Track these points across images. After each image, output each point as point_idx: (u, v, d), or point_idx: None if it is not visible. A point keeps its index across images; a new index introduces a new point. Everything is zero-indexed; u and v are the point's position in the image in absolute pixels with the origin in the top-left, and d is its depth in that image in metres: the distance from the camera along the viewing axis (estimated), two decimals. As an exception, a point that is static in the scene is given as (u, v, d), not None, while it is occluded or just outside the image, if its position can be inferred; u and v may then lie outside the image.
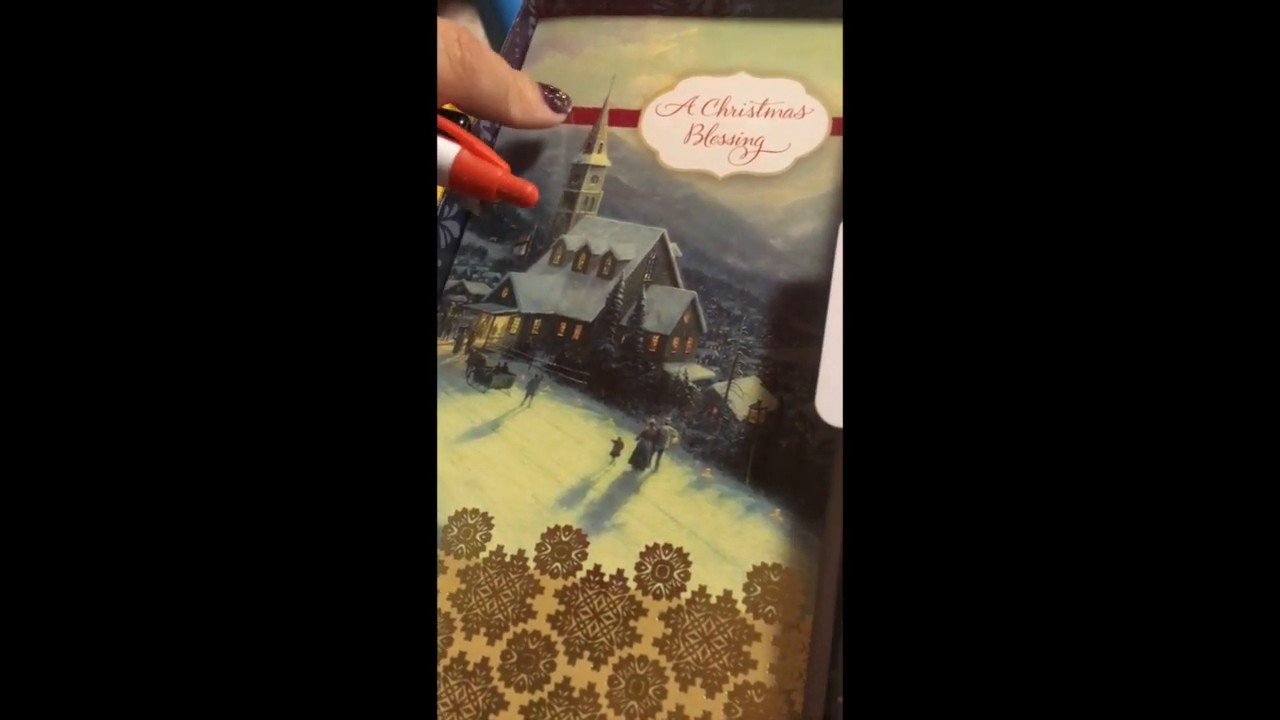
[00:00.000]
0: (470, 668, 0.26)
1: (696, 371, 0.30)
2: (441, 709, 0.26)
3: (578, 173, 0.36)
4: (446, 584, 0.28)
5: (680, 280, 0.33)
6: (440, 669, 0.26)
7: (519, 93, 0.33)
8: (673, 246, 0.33)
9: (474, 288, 0.35)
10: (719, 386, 0.30)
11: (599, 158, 0.36)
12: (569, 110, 0.35)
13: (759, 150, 0.34)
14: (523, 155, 0.38)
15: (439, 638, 0.27)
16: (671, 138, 0.36)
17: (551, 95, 0.34)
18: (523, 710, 0.25)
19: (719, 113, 0.36)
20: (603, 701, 0.25)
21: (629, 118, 0.37)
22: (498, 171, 0.32)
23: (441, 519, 0.29)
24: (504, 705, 0.25)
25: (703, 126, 0.35)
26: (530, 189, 0.32)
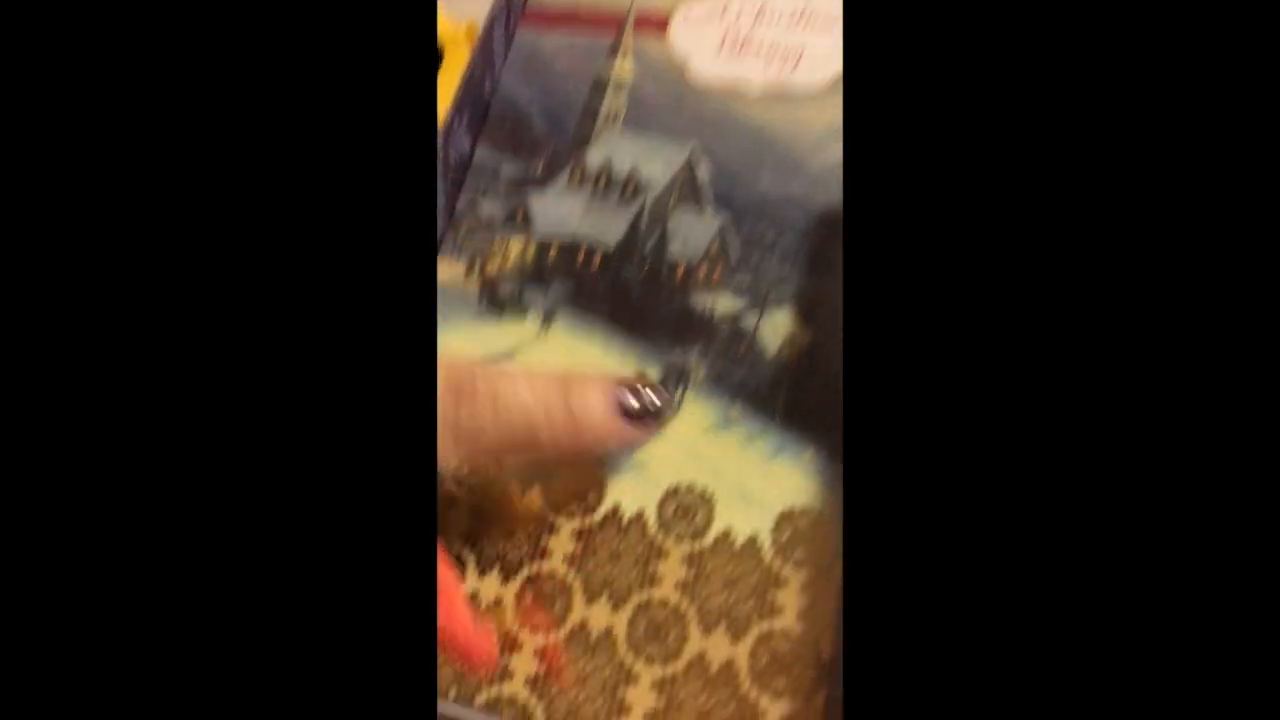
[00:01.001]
0: (484, 608, 0.25)
1: (724, 303, 0.28)
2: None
3: (599, 84, 0.33)
4: (459, 520, 0.27)
5: (709, 204, 0.30)
6: None
7: (568, 423, 0.21)
8: (701, 167, 0.31)
9: (487, 208, 0.33)
10: (748, 319, 0.28)
11: (623, 68, 0.33)
12: (665, 410, 0.23)
13: (798, 63, 0.31)
14: (535, 64, 0.35)
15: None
16: (702, 47, 0.33)
17: (634, 402, 0.22)
18: (538, 652, 0.24)
19: (755, 20, 0.32)
20: (621, 645, 0.24)
21: (656, 23, 0.34)
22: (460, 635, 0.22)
23: (453, 453, 0.28)
24: (518, 647, 0.24)
25: (737, 35, 0.32)
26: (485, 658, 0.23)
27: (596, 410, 0.22)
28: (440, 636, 0.21)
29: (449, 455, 0.21)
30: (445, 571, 0.22)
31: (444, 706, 0.24)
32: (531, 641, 0.24)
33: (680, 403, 0.27)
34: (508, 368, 0.23)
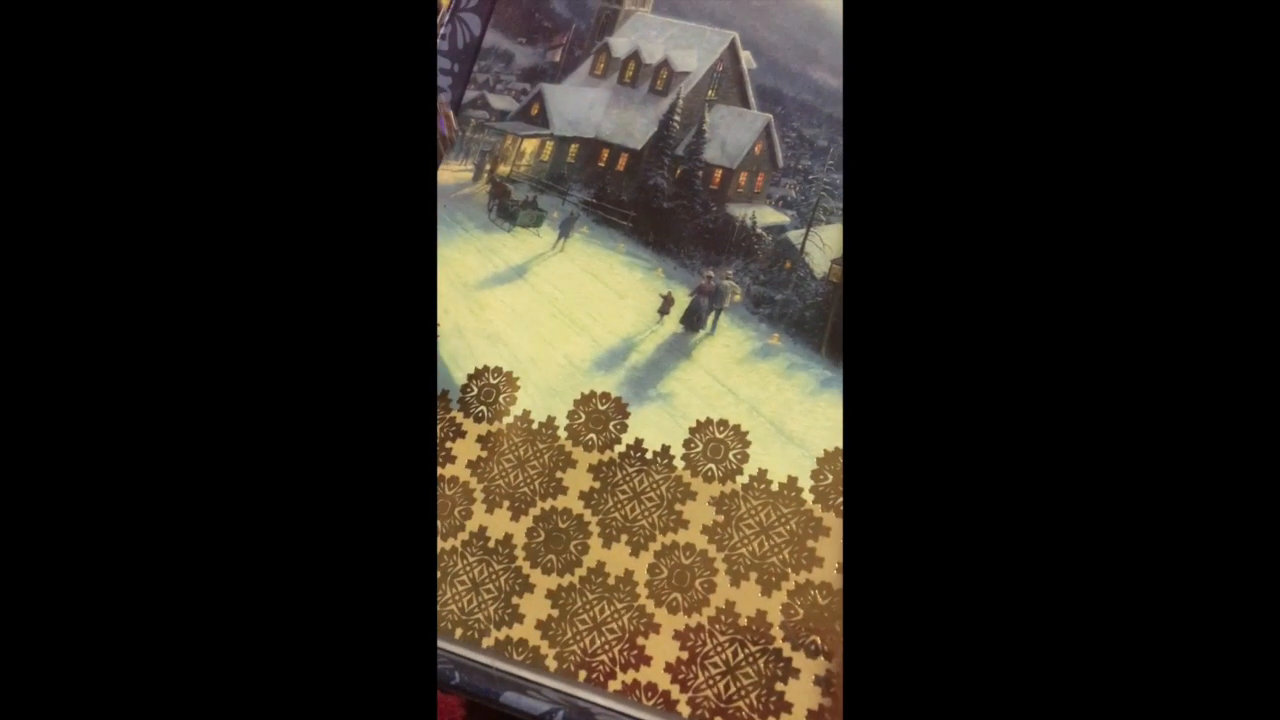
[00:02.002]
0: (491, 544, 0.23)
1: (768, 215, 0.25)
2: (459, 587, 0.23)
3: (628, -44, 0.29)
4: (464, 449, 0.25)
5: (753, 100, 0.26)
6: (459, 544, 0.23)
7: None
8: (745, 56, 0.27)
9: (498, 101, 0.29)
10: (794, 235, 0.24)
11: (655, -63, 0.29)
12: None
13: (863, -70, 0.26)
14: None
15: (456, 509, 0.24)
16: (750, -89, 0.28)
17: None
18: (550, 594, 0.22)
19: (814, -123, 0.27)
20: (641, 591, 0.22)
21: (696, -118, 0.29)
22: None
23: (459, 377, 0.26)
24: (529, 588, 0.23)
25: (791, -104, 0.27)
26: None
27: None
28: None
29: None
30: None
31: (449, 645, 0.22)
32: None
33: (714, 323, 0.24)
34: None
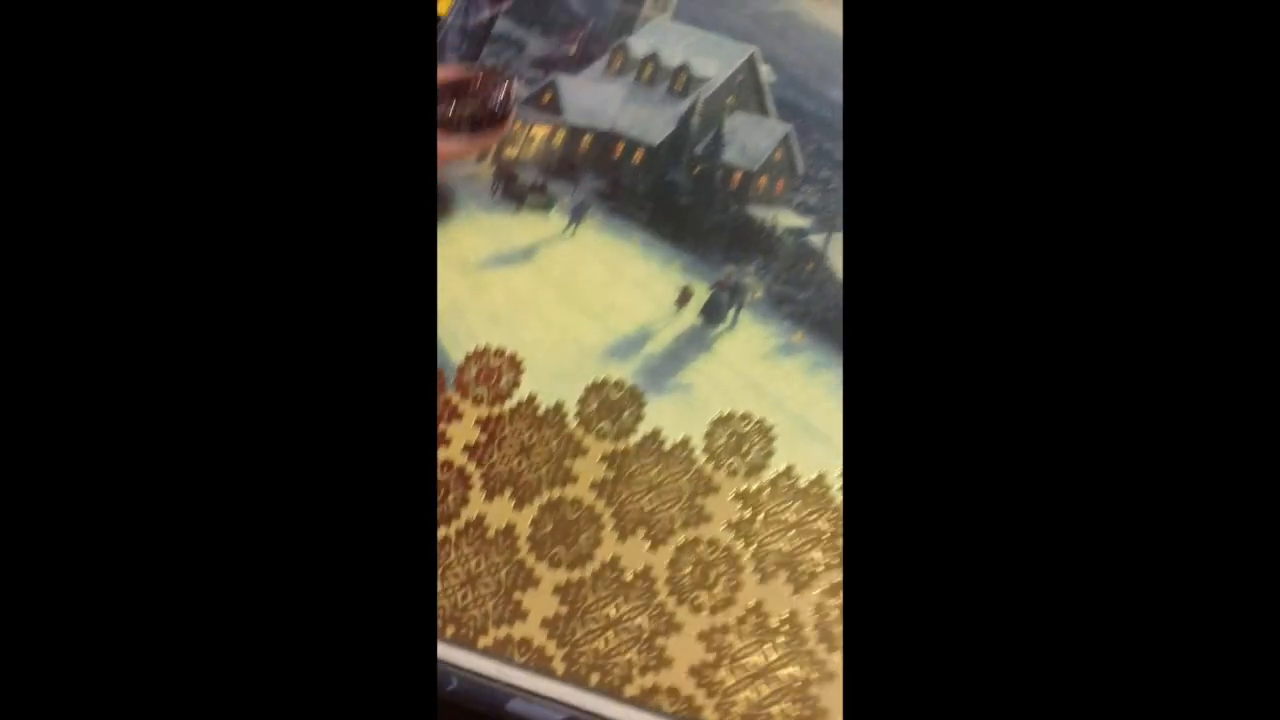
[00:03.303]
0: (491, 535, 0.21)
1: (788, 218, 0.25)
2: (452, 580, 0.20)
3: (649, -35, 0.29)
4: (462, 432, 0.22)
5: (772, 109, 0.27)
6: (452, 533, 0.21)
7: None
8: (764, 69, 0.27)
9: (507, 86, 0.28)
10: (816, 239, 0.25)
11: (677, -49, 0.29)
12: (495, 116, 0.21)
13: (877, -28, 0.28)
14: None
15: (450, 495, 0.21)
16: (771, -60, 0.29)
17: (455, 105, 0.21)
18: (559, 590, 0.20)
19: (831, -81, 0.29)
20: (662, 588, 0.20)
21: (719, -92, 0.30)
22: None
23: (456, 356, 0.23)
24: (534, 582, 0.20)
25: (810, -67, 0.29)
26: None
27: None
28: None
29: None
30: None
31: (445, 650, 0.19)
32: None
33: (735, 318, 0.24)
34: None
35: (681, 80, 0.28)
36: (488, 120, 0.21)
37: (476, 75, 0.21)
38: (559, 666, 0.19)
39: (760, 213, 0.25)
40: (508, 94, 0.21)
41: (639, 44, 0.28)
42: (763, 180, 0.26)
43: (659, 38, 0.28)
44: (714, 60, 0.28)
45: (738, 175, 0.26)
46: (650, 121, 0.27)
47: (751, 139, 0.26)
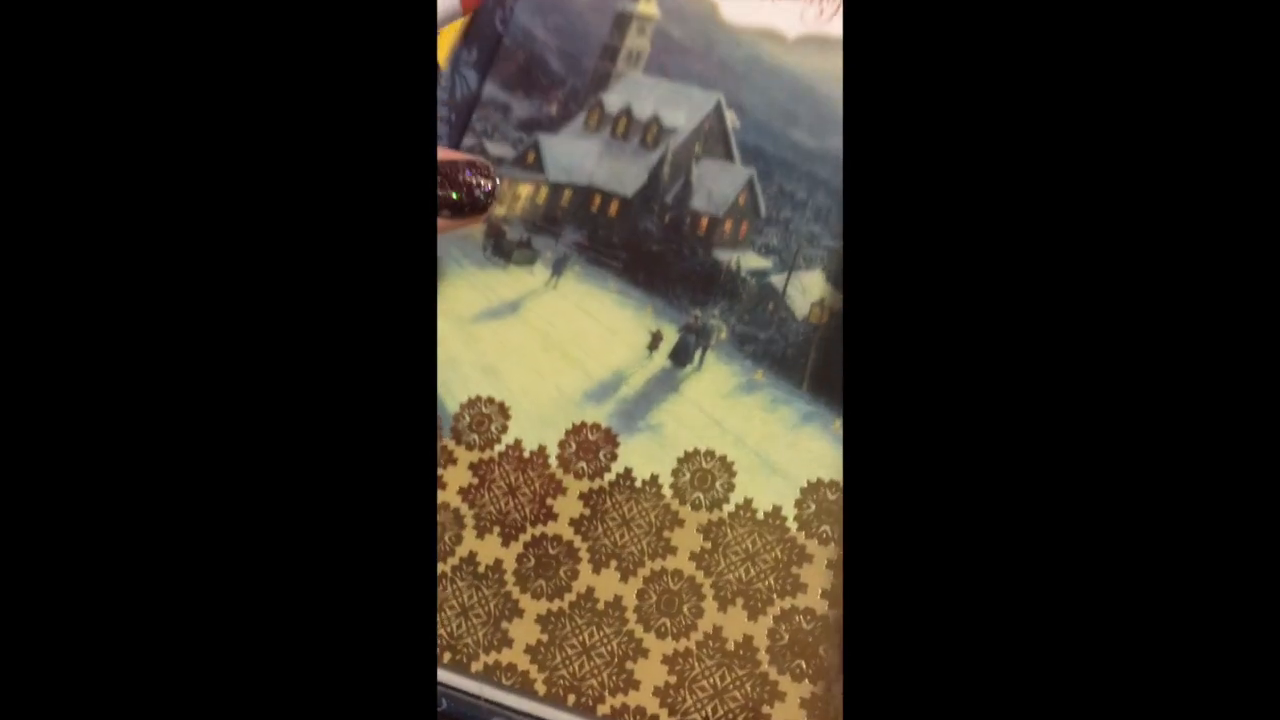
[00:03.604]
0: (482, 570, 0.24)
1: (751, 260, 0.27)
2: (448, 612, 0.23)
3: (621, 22, 0.31)
4: (456, 477, 0.25)
5: (736, 155, 0.28)
6: (448, 569, 0.24)
7: None
8: (729, 115, 0.29)
9: (495, 149, 0.31)
10: (776, 279, 0.26)
11: (647, 6, 0.31)
12: (481, 202, 0.23)
13: (837, 10, 0.29)
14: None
15: (446, 535, 0.24)
16: (735, -12, 0.30)
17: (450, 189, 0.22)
18: (540, 619, 0.23)
19: (793, -38, 0.30)
20: (630, 616, 0.22)
21: (686, -39, 0.31)
22: None
23: (451, 405, 0.26)
24: (519, 612, 0.23)
25: (772, -23, 0.30)
26: None
27: None
28: None
29: None
30: None
31: (439, 674, 0.22)
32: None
33: (701, 359, 0.25)
34: None
35: (653, 132, 0.29)
36: (471, 208, 0.22)
37: (463, 164, 0.22)
38: (540, 688, 0.22)
39: (725, 256, 0.27)
40: (493, 187, 0.23)
41: (613, 100, 0.30)
42: (728, 224, 0.27)
43: (631, 92, 0.30)
44: (682, 110, 0.29)
45: (704, 221, 0.28)
46: (624, 174, 0.29)
47: (718, 185, 0.28)
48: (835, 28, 0.29)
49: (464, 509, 0.24)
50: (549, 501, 0.24)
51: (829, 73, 0.28)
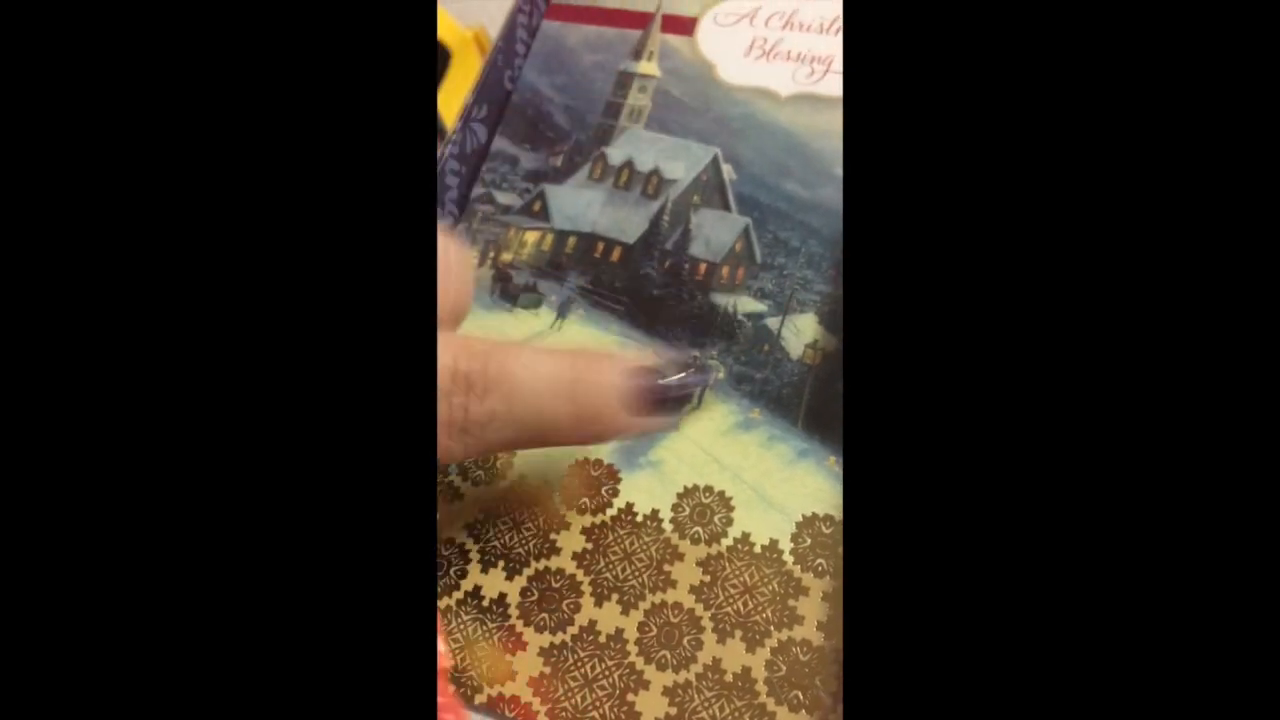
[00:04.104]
0: (486, 603, 0.24)
1: (747, 304, 0.28)
2: (452, 644, 0.24)
3: (624, 81, 0.33)
4: (463, 512, 0.26)
5: (733, 205, 0.30)
6: (453, 602, 0.24)
7: (573, 413, 0.20)
8: (726, 168, 0.30)
9: (503, 198, 0.32)
10: (771, 322, 0.27)
11: (648, 66, 0.33)
12: (685, 400, 0.21)
13: (827, 70, 0.31)
14: (558, 58, 0.34)
15: (452, 569, 0.25)
16: (730, 50, 0.32)
17: (656, 386, 0.20)
18: (543, 652, 0.23)
19: (784, 26, 0.32)
20: (631, 648, 0.23)
21: (684, 25, 0.33)
22: None
23: (458, 443, 0.27)
24: (522, 645, 0.23)
25: (766, 40, 0.32)
26: None
27: (609, 401, 0.20)
28: None
29: (454, 448, 0.19)
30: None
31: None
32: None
33: (700, 402, 0.26)
34: (521, 346, 0.20)
35: (653, 183, 0.31)
36: (673, 406, 0.21)
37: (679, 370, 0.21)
38: (543, 719, 0.22)
39: (722, 300, 0.28)
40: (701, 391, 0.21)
41: (616, 153, 0.32)
42: (725, 270, 0.29)
43: (633, 146, 0.32)
44: (681, 163, 0.31)
45: (703, 267, 0.29)
46: (627, 222, 0.30)
47: (715, 233, 0.29)
48: (826, 87, 0.31)
49: (469, 544, 0.25)
50: (553, 536, 0.25)
51: (820, 128, 0.30)
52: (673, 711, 0.22)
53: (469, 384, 0.19)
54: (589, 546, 0.24)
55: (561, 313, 0.29)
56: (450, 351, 0.19)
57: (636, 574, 0.24)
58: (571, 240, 0.31)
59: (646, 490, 0.25)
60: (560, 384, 0.20)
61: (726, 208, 0.30)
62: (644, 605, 0.23)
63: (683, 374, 0.21)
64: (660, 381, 0.20)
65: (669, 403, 0.21)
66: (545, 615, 0.24)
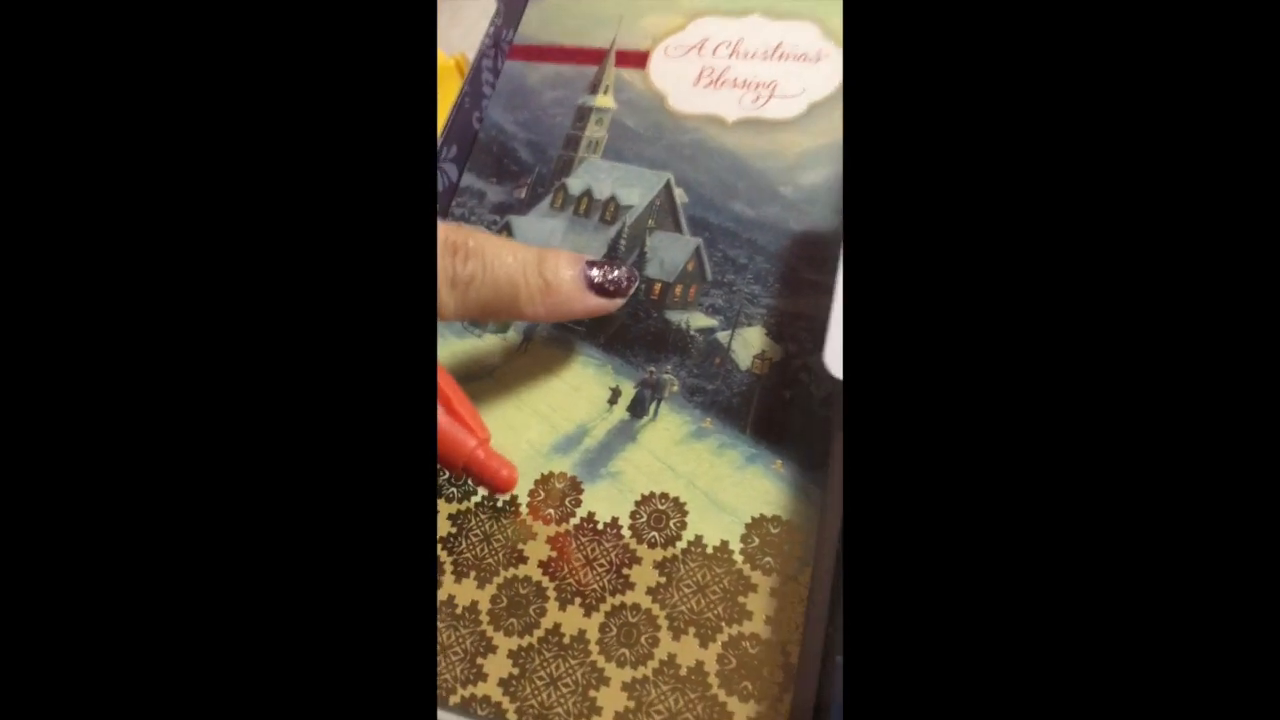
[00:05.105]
0: (459, 611, 0.26)
1: (699, 320, 0.29)
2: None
3: (581, 114, 0.35)
4: (438, 526, 0.27)
5: (685, 227, 0.32)
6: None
7: (542, 286, 0.25)
8: (678, 192, 0.32)
9: (472, 230, 0.34)
10: (722, 335, 0.29)
11: (604, 100, 0.35)
12: (628, 287, 0.27)
13: (771, 95, 0.33)
14: (520, 96, 0.36)
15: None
16: (680, 81, 0.34)
17: (599, 275, 0.26)
18: (512, 654, 0.25)
19: (730, 55, 0.34)
20: (593, 648, 0.24)
21: (637, 59, 0.35)
22: (469, 444, 0.25)
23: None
24: (493, 649, 0.25)
25: (713, 70, 0.34)
26: (506, 474, 0.26)
27: (566, 279, 0.26)
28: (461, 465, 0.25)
29: (446, 303, 0.24)
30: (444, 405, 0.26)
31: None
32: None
33: (656, 411, 0.28)
34: (495, 236, 0.26)
35: (611, 209, 0.33)
36: (611, 291, 0.27)
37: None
38: (512, 717, 0.24)
39: (676, 317, 0.30)
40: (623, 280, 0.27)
41: (575, 183, 0.34)
42: (678, 289, 0.30)
43: (591, 176, 0.34)
44: (636, 189, 0.33)
45: (658, 287, 0.31)
46: (587, 247, 0.32)
47: (669, 254, 0.31)
48: (770, 111, 0.32)
49: (443, 556, 0.27)
50: (520, 546, 0.26)
51: (764, 150, 0.32)
52: (631, 705, 0.23)
53: (455, 248, 0.24)
54: (554, 555, 0.26)
55: (527, 337, 0.31)
56: (444, 230, 0.25)
57: (598, 578, 0.25)
58: (536, 267, 0.32)
59: (607, 499, 0.27)
60: (529, 261, 0.25)
61: (679, 229, 0.32)
62: (605, 607, 0.25)
63: (621, 269, 0.27)
64: (606, 270, 0.27)
65: (610, 287, 0.27)
66: (514, 620, 0.25)
